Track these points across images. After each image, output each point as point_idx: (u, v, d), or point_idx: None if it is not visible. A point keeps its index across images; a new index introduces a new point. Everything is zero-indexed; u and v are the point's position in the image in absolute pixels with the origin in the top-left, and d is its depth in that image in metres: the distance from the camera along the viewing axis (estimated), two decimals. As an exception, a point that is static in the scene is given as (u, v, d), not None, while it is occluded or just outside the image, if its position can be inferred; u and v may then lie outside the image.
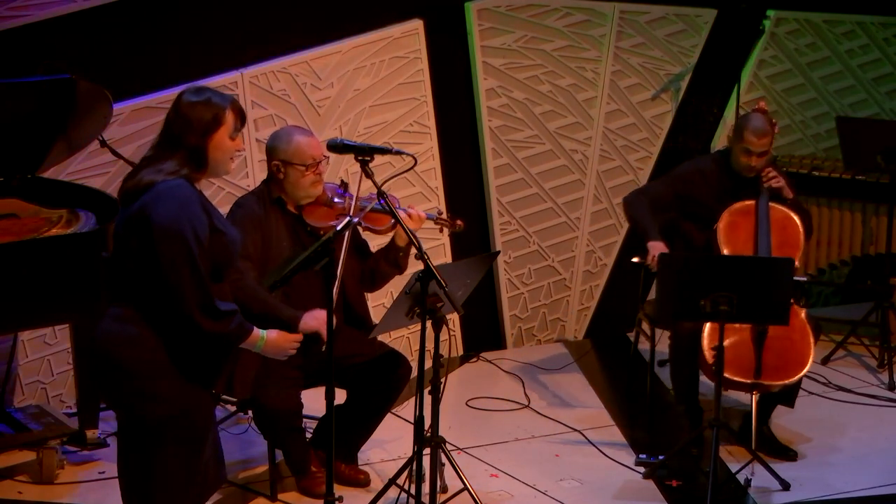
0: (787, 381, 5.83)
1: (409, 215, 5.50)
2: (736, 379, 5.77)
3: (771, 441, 6.06)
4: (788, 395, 6.02)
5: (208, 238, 4.02)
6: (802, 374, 5.86)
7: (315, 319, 5.24)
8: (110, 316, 4.10)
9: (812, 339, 5.90)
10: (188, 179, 4.06)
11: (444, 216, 5.69)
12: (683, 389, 6.07)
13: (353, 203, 5.39)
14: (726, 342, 5.63)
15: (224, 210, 5.30)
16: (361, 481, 5.66)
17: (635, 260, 6.28)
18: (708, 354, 5.82)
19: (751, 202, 6.17)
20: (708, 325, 5.86)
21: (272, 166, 5.48)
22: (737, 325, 5.80)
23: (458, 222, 5.68)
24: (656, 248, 6.09)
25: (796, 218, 6.20)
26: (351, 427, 5.63)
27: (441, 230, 5.78)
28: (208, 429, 4.22)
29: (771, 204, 6.17)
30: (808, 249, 7.48)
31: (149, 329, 4.04)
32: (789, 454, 6.02)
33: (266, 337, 4.23)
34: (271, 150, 5.49)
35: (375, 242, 5.83)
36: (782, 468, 5.80)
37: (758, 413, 5.96)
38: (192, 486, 4.19)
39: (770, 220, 6.12)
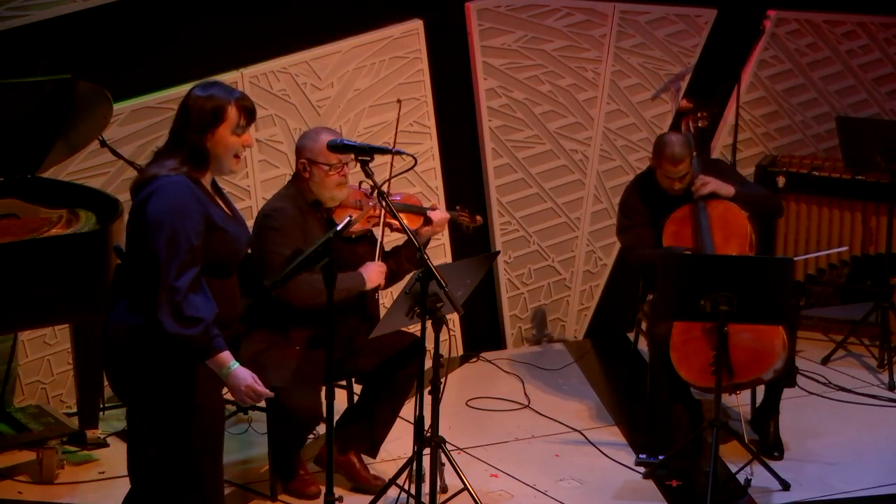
0: (764, 372, 5.76)
1: (435, 221, 5.63)
2: (712, 386, 5.71)
3: (767, 435, 6.05)
4: (785, 377, 5.98)
5: (202, 235, 4.03)
6: (780, 359, 5.78)
7: (375, 273, 5.44)
8: (121, 305, 4.13)
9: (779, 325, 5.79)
10: (189, 176, 4.07)
11: (465, 213, 5.80)
12: (673, 389, 6.01)
13: (382, 203, 5.45)
14: (688, 352, 5.69)
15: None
16: (378, 486, 5.57)
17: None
18: (677, 365, 5.77)
19: (687, 206, 6.12)
20: (674, 333, 5.82)
21: (299, 164, 5.49)
22: (693, 333, 5.77)
23: (478, 217, 5.84)
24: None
25: (734, 207, 6.12)
26: (373, 417, 5.62)
27: (462, 227, 5.85)
28: (218, 431, 4.22)
29: (709, 201, 6.11)
30: (807, 247, 7.49)
31: (153, 319, 4.04)
32: (774, 454, 6.00)
33: (233, 369, 4.09)
34: (299, 149, 5.51)
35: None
36: (782, 468, 5.80)
37: (766, 405, 6.04)
38: (209, 486, 4.19)
39: (709, 217, 6.09)
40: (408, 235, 5.03)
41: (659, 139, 6.26)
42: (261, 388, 4.13)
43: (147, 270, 4.02)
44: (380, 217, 5.54)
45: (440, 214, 5.67)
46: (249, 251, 5.53)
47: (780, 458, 5.99)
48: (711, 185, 6.12)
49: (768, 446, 6.03)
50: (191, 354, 4.06)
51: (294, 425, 5.43)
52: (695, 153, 6.18)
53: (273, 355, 5.37)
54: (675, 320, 5.83)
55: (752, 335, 5.75)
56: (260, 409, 5.90)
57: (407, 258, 5.66)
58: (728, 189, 6.16)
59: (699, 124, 6.39)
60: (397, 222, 5.18)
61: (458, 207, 5.87)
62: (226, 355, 4.09)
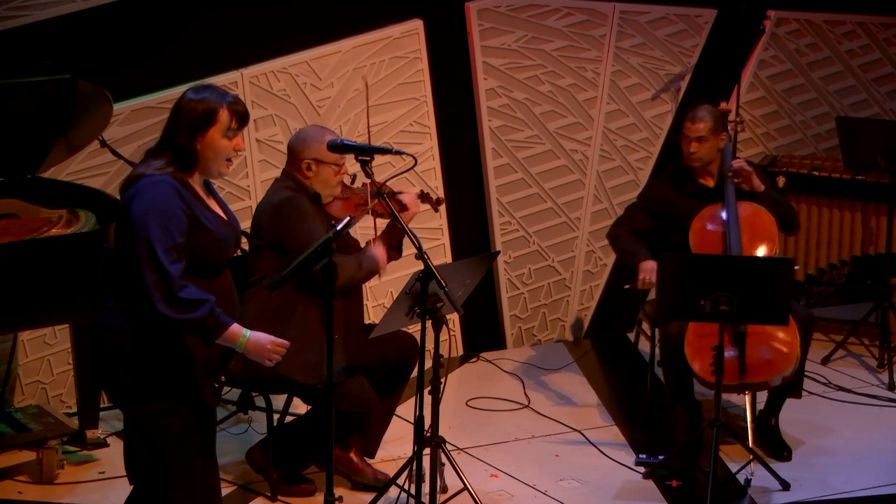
0: (774, 376, 5.77)
1: (408, 204, 5.62)
2: (724, 382, 5.71)
3: (773, 436, 6.05)
4: (792, 387, 5.98)
5: (185, 233, 4.04)
6: (791, 366, 5.79)
7: (383, 256, 5.49)
8: (108, 307, 4.16)
9: (797, 331, 5.82)
10: (174, 176, 4.09)
11: (429, 194, 5.81)
12: (677, 389, 6.02)
13: (368, 190, 5.49)
14: (703, 346, 5.67)
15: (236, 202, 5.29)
16: (381, 481, 5.57)
17: (627, 286, 6.38)
18: (691, 358, 5.78)
19: (717, 204, 6.14)
20: (690, 328, 5.83)
21: (303, 164, 5.47)
22: (709, 329, 5.76)
23: (441, 197, 5.88)
24: (647, 267, 6.14)
25: (764, 210, 6.15)
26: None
27: (432, 205, 5.88)
28: (208, 426, 4.22)
29: (739, 202, 6.14)
30: (807, 247, 7.50)
31: (136, 320, 4.07)
32: (783, 455, 6.01)
33: (249, 337, 4.16)
34: (303, 149, 5.49)
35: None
36: (782, 468, 5.80)
37: (769, 406, 6.03)
38: (206, 485, 4.20)
39: (738, 218, 6.09)
40: (406, 233, 5.02)
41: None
42: (280, 339, 4.22)
43: (130, 271, 4.04)
44: (367, 203, 5.55)
45: (410, 197, 5.67)
46: (254, 243, 5.55)
47: (782, 458, 5.98)
48: (748, 168, 6.13)
49: (771, 446, 6.03)
50: (198, 335, 4.09)
51: (347, 419, 5.38)
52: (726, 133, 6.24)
53: (317, 352, 5.34)
54: (675, 320, 5.84)
55: (770, 338, 5.77)
56: (260, 408, 5.90)
57: (390, 245, 5.68)
58: (759, 184, 6.18)
59: (738, 129, 6.46)
60: (384, 209, 5.27)
61: (420, 192, 5.86)
62: (236, 327, 4.13)
